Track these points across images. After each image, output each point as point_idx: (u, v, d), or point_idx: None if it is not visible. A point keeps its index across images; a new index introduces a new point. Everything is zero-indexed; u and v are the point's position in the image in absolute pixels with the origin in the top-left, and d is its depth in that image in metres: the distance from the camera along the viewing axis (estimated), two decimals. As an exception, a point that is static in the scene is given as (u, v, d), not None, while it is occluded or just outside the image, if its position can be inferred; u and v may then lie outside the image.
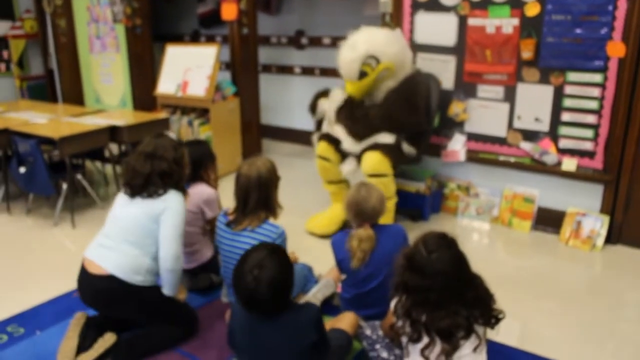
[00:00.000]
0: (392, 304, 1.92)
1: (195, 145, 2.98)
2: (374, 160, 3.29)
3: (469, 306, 1.77)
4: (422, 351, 1.78)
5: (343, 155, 3.53)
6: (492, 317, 1.83)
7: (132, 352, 2.37)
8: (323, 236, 3.55)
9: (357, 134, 3.41)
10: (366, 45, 3.30)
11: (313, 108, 3.82)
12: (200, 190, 2.84)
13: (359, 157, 3.42)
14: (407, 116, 3.35)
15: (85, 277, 2.37)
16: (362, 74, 3.32)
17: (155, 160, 2.41)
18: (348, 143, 3.44)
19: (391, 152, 3.34)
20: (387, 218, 3.28)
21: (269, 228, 2.40)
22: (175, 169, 2.45)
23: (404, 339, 1.86)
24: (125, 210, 2.42)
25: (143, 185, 2.40)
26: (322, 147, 3.59)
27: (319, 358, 2.00)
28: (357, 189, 2.47)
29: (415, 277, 1.77)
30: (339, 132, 3.48)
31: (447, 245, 1.80)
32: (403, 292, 1.84)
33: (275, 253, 1.91)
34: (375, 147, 3.33)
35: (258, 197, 2.40)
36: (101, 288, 2.34)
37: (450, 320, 1.73)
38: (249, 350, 1.98)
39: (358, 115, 3.42)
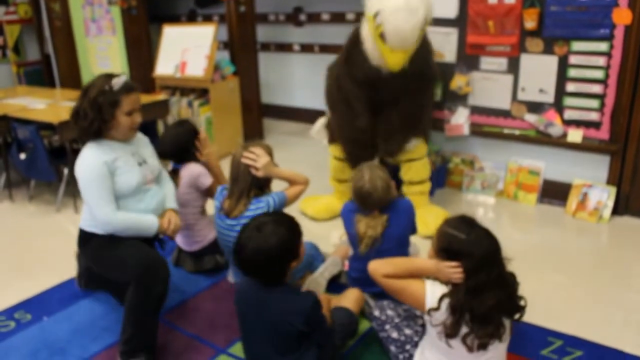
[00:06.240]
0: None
1: (178, 128, 2.96)
2: (416, 145, 3.29)
3: (503, 287, 1.74)
4: (464, 339, 1.72)
5: None
6: (516, 306, 1.79)
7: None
8: (314, 219, 3.54)
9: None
10: (423, 7, 2.94)
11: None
12: (189, 171, 2.84)
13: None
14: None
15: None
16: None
17: (82, 98, 2.10)
18: None
19: (424, 131, 3.33)
20: (422, 201, 3.29)
21: (254, 208, 2.41)
22: (87, 112, 2.06)
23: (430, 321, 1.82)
24: None
25: (75, 126, 2.13)
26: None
27: (315, 347, 1.96)
28: (360, 173, 2.40)
29: (466, 262, 1.73)
30: None
31: (473, 224, 1.79)
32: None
33: (274, 224, 1.91)
34: None
35: (248, 181, 2.42)
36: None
37: (493, 303, 1.69)
38: (244, 315, 1.99)
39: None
